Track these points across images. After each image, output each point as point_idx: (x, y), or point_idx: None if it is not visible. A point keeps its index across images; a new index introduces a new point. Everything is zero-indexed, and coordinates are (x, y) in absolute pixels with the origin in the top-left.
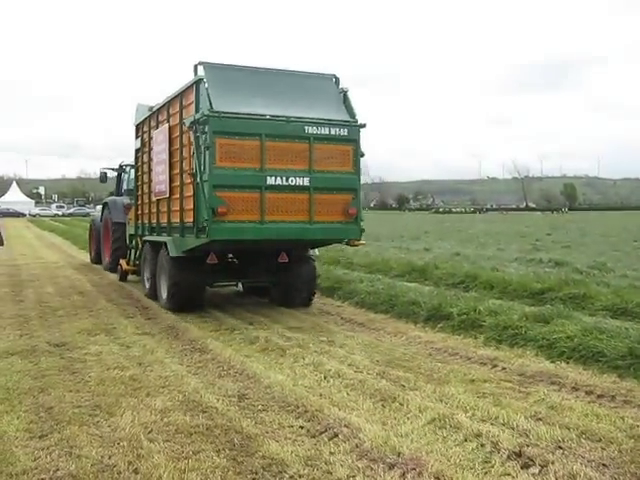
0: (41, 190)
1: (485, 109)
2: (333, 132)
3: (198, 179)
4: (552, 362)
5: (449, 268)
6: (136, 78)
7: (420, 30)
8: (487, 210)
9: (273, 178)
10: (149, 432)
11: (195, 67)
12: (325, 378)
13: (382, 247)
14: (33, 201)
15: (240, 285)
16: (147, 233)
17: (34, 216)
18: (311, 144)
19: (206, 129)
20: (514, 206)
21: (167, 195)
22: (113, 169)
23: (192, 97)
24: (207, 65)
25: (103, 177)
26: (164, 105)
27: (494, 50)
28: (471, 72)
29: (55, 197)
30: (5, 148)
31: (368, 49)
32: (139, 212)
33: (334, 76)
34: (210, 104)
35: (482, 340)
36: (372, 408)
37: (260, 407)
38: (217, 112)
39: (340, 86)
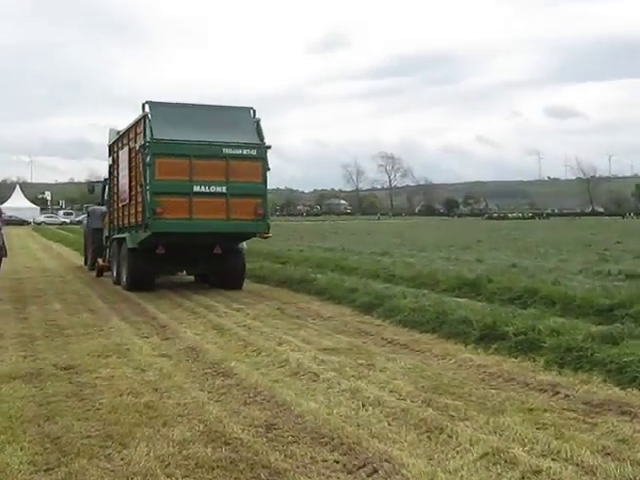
0: (47, 195)
1: (544, 99)
2: (245, 152)
3: (144, 188)
4: (622, 389)
5: (504, 282)
6: (145, 74)
7: (469, 11)
8: (548, 215)
9: (198, 187)
10: (166, 466)
11: (143, 105)
12: (363, 406)
13: (428, 258)
14: (38, 207)
15: (194, 277)
16: (116, 233)
17: (39, 224)
18: (228, 161)
19: (148, 151)
20: (578, 210)
21: (128, 201)
22: (98, 182)
23: (141, 127)
24: (152, 103)
25: (91, 188)
26: (125, 132)
27: (554, 32)
28: (528, 57)
29: (62, 203)
30: (7, 149)
31: (415, 33)
32: (112, 217)
33: (251, 108)
34: (152, 133)
35: (542, 363)
36: (417, 440)
37: (290, 438)
38: (156, 139)
39: (255, 116)
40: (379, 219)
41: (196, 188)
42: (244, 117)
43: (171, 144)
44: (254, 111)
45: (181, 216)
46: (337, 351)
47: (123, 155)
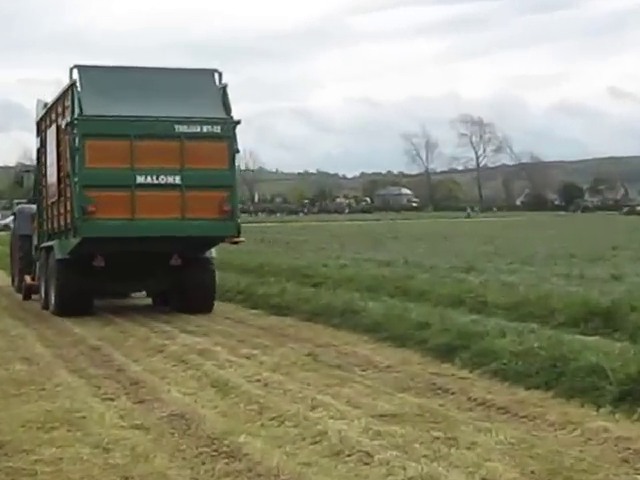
0: None
1: None
2: (205, 130)
3: (72, 180)
4: None
5: None
6: (111, 7)
7: None
8: None
9: (143, 177)
10: None
11: (70, 70)
12: None
13: (538, 275)
14: None
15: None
16: (45, 240)
17: None
18: (182, 142)
19: (76, 131)
20: None
21: (57, 198)
22: (29, 169)
23: (69, 100)
24: (82, 68)
25: (19, 179)
26: (53, 105)
27: None
28: None
29: None
30: None
31: None
32: (41, 219)
33: (215, 71)
34: (80, 108)
35: None
36: None
37: None
38: (85, 116)
39: (221, 81)
40: (469, 216)
41: (140, 179)
42: (205, 83)
43: (106, 121)
44: (220, 75)
45: (120, 216)
46: (400, 418)
47: (51, 136)
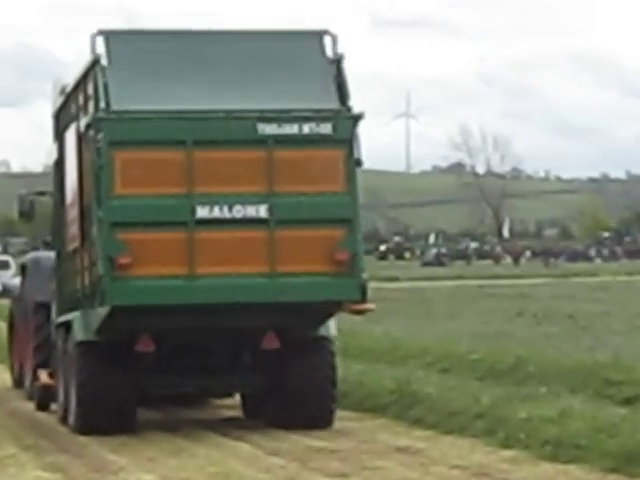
0: None
1: None
2: (307, 130)
3: (95, 213)
4: None
5: None
6: None
7: None
8: None
9: (207, 208)
10: None
11: (92, 39)
12: None
13: None
14: None
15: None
16: (64, 312)
17: None
18: (270, 151)
19: (101, 139)
20: None
21: (79, 242)
22: (43, 193)
23: (91, 86)
24: (111, 36)
25: (28, 208)
26: (72, 91)
27: None
28: None
29: None
30: None
31: None
32: (59, 276)
33: (324, 33)
34: (106, 100)
35: None
36: None
37: None
38: (115, 112)
39: (335, 50)
40: None
41: (202, 211)
42: (306, 54)
43: (146, 120)
44: (333, 38)
45: (172, 272)
46: None
47: (70, 141)
